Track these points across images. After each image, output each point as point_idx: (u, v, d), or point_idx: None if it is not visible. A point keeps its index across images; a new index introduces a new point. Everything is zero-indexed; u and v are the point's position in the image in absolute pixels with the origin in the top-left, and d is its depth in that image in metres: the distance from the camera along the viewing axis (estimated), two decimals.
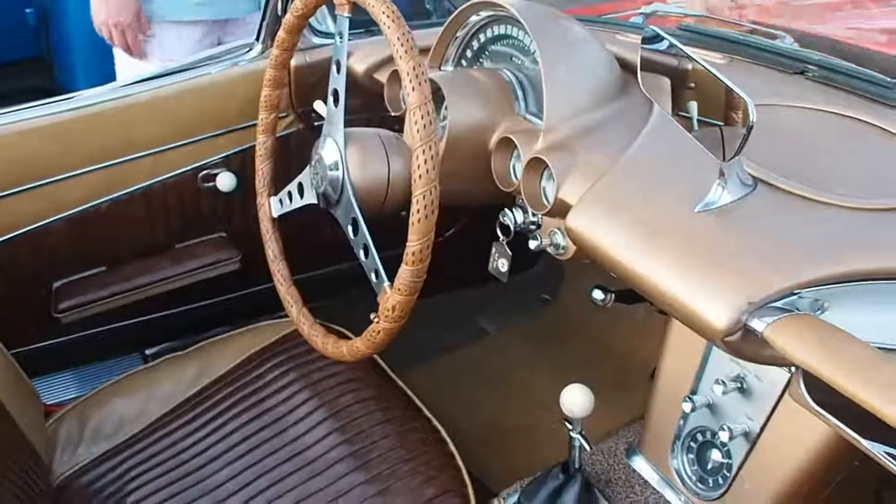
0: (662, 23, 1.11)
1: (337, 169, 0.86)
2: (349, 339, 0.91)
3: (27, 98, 1.11)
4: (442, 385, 1.31)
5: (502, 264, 0.95)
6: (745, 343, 0.64)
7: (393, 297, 0.78)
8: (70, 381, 1.30)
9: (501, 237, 0.93)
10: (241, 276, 1.24)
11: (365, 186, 0.86)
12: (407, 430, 0.99)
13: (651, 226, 0.72)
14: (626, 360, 1.35)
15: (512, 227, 0.90)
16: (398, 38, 0.75)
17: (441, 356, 1.47)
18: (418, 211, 0.74)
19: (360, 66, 1.14)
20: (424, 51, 1.02)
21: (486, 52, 1.01)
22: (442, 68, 1.03)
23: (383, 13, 0.77)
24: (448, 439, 1.00)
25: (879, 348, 0.65)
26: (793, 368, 0.69)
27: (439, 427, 1.01)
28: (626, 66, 0.96)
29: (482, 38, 1.00)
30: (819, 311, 0.64)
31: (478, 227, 1.04)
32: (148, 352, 1.33)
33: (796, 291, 0.64)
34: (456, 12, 0.97)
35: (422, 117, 0.73)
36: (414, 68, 0.74)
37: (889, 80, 0.84)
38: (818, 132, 0.83)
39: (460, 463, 0.97)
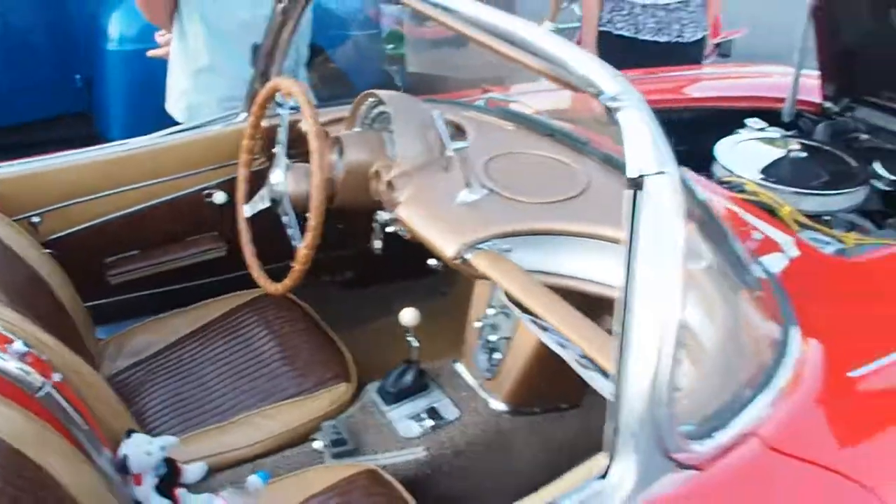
0: (496, 103, 1.79)
1: (280, 186, 1.53)
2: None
3: (73, 145, 1.76)
4: (352, 326, 1.91)
5: (377, 244, 1.59)
6: (464, 266, 1.28)
7: (302, 251, 1.44)
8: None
9: (377, 227, 1.57)
10: (228, 260, 1.89)
11: (295, 196, 1.53)
12: (320, 346, 1.63)
13: (433, 210, 1.37)
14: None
15: (380, 221, 1.55)
16: (308, 115, 1.43)
17: (366, 319, 2.07)
18: (314, 217, 1.41)
19: (306, 126, 1.81)
20: (340, 120, 1.69)
21: (380, 118, 1.68)
22: (353, 129, 1.70)
23: (301, 100, 1.45)
24: (346, 351, 1.63)
25: (533, 272, 1.29)
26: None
27: (342, 346, 1.65)
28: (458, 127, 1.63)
29: (375, 111, 1.68)
30: (506, 252, 1.29)
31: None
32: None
33: (490, 240, 1.28)
34: (357, 98, 1.65)
35: (317, 158, 1.41)
36: (316, 133, 1.42)
37: (584, 138, 1.51)
38: (533, 165, 1.49)
39: (351, 363, 1.60)
